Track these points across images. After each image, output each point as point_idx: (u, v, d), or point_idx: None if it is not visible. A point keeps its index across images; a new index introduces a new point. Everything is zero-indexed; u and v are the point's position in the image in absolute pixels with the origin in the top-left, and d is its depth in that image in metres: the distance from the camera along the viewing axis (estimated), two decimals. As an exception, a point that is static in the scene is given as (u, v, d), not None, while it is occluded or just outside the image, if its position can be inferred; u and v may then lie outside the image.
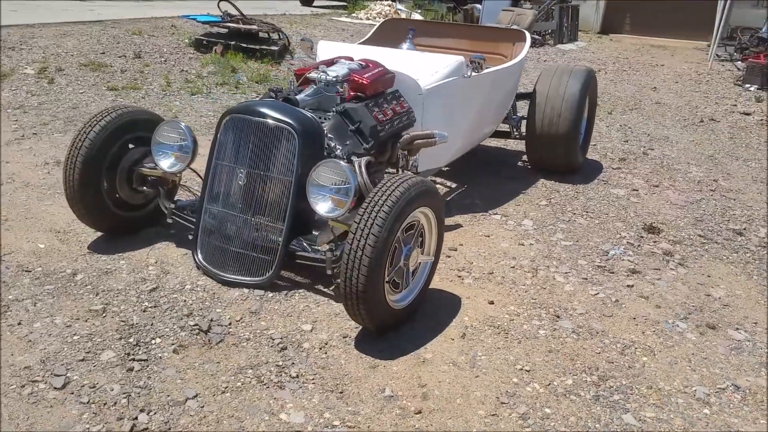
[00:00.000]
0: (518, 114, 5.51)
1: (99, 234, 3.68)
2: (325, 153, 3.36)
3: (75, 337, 2.77)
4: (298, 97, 3.58)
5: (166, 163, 3.43)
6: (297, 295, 3.24)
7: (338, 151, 3.45)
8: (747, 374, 2.88)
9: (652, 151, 6.38)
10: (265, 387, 2.57)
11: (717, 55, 14.97)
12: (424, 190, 2.92)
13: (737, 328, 3.26)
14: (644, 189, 5.24)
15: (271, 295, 3.21)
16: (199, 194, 3.66)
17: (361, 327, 2.96)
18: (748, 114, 8.91)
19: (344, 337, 2.93)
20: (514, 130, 5.43)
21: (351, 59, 4.03)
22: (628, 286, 3.60)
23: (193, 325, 2.90)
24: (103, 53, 8.12)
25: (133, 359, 2.66)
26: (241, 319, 3.00)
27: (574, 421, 2.50)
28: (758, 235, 4.45)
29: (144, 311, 3.00)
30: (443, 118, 4.17)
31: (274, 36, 9.65)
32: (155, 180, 3.59)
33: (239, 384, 2.57)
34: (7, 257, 3.37)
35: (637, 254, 4.01)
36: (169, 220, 3.61)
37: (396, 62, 4.11)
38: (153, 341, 2.79)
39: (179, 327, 2.89)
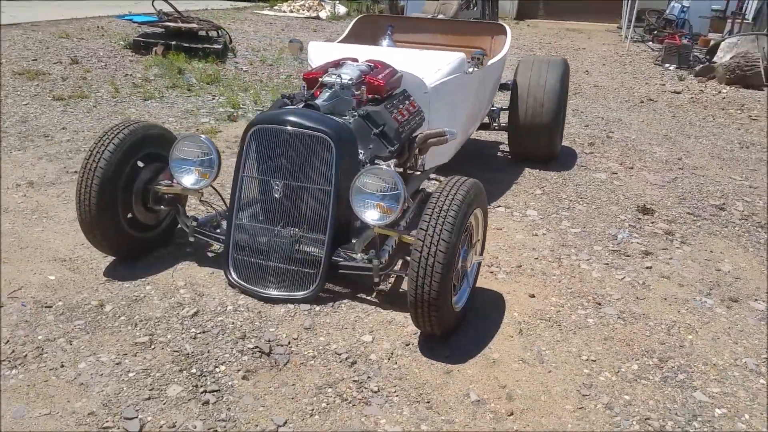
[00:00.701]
0: (496, 106, 5.60)
1: (110, 259, 3.43)
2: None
3: (130, 375, 2.58)
4: (317, 102, 3.47)
5: (189, 180, 3.25)
6: (343, 305, 3.16)
7: (361, 155, 3.38)
8: (781, 342, 3.10)
9: (614, 134, 6.68)
10: (350, 405, 2.50)
11: (630, 36, 15.89)
12: (479, 190, 2.92)
13: (756, 299, 3.49)
14: (621, 171, 5.48)
15: (318, 308, 3.11)
16: (223, 210, 3.52)
17: (419, 333, 2.94)
18: (678, 93, 9.49)
19: (407, 345, 2.89)
20: (494, 121, 5.52)
21: (356, 60, 3.95)
22: (647, 267, 3.76)
23: (254, 348, 2.77)
24: (35, 60, 7.55)
25: (205, 391, 2.51)
26: (298, 336, 2.89)
27: (654, 405, 2.59)
28: (738, 209, 4.76)
29: (194, 338, 2.83)
30: (447, 115, 4.18)
31: (213, 34, 9.31)
32: (173, 198, 3.40)
33: (324, 405, 2.48)
34: (18, 293, 3.09)
35: (643, 236, 4.20)
36: (191, 239, 3.42)
37: (398, 61, 4.06)
38: (217, 369, 2.64)
39: (238, 351, 2.75)
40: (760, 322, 3.26)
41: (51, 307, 3.01)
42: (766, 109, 8.61)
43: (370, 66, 3.85)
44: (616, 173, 5.41)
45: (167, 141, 3.42)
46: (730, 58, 11.12)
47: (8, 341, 2.72)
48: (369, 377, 2.65)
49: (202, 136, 3.26)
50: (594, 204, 4.69)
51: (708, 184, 5.29)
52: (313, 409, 2.46)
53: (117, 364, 2.64)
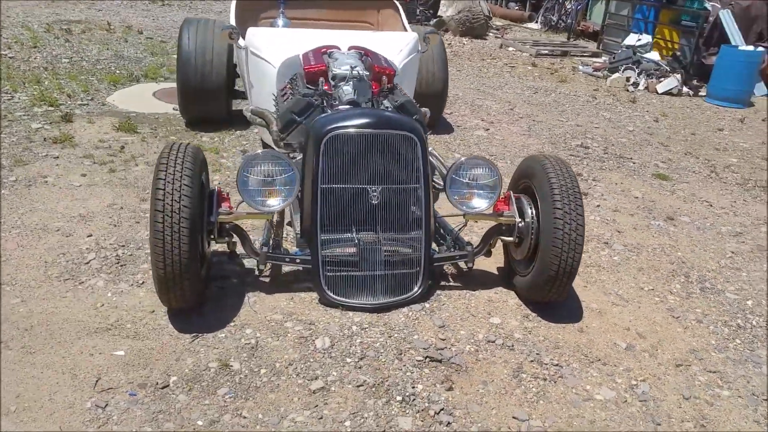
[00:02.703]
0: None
1: (158, 315, 2.88)
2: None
3: (347, 424, 2.36)
4: (348, 97, 3.31)
5: (274, 202, 2.88)
6: (441, 295, 3.22)
7: None
8: None
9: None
10: (551, 381, 2.69)
11: None
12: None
13: (682, 215, 4.54)
14: (491, 128, 6.21)
15: (427, 305, 3.13)
16: (294, 229, 3.19)
17: (521, 306, 3.20)
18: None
19: (526, 317, 3.12)
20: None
21: (337, 48, 3.79)
22: (597, 206, 4.55)
23: (425, 359, 2.72)
24: None
25: (435, 413, 2.44)
26: (445, 337, 2.91)
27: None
28: (594, 146, 5.90)
29: (360, 367, 2.64)
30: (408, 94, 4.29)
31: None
32: (234, 226, 2.96)
33: (534, 389, 2.62)
34: (101, 384, 2.44)
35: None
36: (261, 267, 3.03)
37: (360, 45, 4.00)
38: (416, 390, 2.55)
39: (414, 366, 2.67)
40: (699, 230, 4.30)
41: (167, 386, 2.47)
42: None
43: (360, 53, 3.74)
44: (489, 129, 6.13)
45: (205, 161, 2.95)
46: (459, 13, 12.78)
47: (178, 438, 2.22)
48: (538, 353, 2.85)
49: (276, 151, 2.90)
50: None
51: (553, 128, 6.36)
52: (531, 396, 2.60)
53: (319, 418, 2.38)
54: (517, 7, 16.23)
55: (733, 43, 9.22)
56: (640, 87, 8.81)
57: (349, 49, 3.81)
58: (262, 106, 3.96)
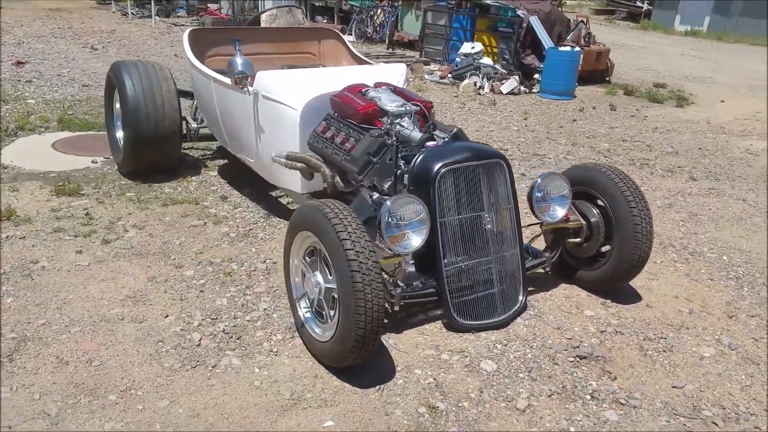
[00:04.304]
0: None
1: (333, 377, 2.81)
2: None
3: (571, 429, 2.61)
4: (417, 134, 3.47)
5: (414, 242, 2.95)
6: (530, 301, 3.55)
7: None
8: None
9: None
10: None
11: (132, 13, 16.24)
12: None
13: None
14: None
15: (531, 312, 3.44)
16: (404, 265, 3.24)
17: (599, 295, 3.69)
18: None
19: (603, 304, 3.61)
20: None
21: (368, 86, 3.89)
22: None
23: (575, 359, 3.05)
24: None
25: (625, 403, 2.79)
26: (572, 337, 3.25)
27: (711, 269, 4.17)
28: (548, 157, 6.60)
29: (535, 380, 2.89)
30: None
31: None
32: (373, 272, 2.96)
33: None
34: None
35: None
36: (396, 308, 3.07)
37: (367, 79, 4.13)
38: (598, 386, 2.88)
39: (574, 367, 2.99)
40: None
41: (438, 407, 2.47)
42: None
43: (390, 89, 3.88)
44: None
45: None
46: (286, 31, 12.85)
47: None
48: (643, 332, 3.33)
49: (412, 196, 2.98)
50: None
51: (493, 141, 6.95)
52: (667, 366, 3.08)
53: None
54: (325, 21, 16.73)
55: (545, 45, 10.78)
56: (486, 90, 9.87)
57: (377, 85, 3.92)
58: (278, 151, 3.90)
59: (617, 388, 2.88)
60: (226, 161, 5.59)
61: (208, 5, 17.50)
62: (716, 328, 3.44)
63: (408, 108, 3.62)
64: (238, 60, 4.87)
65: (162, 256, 3.80)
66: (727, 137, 8.12)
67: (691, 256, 4.35)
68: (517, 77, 10.05)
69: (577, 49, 10.31)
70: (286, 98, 3.90)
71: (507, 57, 11.35)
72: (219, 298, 3.38)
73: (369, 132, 3.49)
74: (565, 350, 3.12)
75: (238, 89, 4.04)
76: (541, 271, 3.63)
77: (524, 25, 11.20)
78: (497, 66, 10.47)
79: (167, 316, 3.18)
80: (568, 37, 11.61)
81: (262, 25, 13.45)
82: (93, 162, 5.40)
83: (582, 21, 11.95)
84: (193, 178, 5.13)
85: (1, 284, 3.37)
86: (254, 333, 3.10)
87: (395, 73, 4.41)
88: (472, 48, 10.70)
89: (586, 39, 11.45)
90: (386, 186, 3.42)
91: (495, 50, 11.57)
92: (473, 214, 3.20)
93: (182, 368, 2.80)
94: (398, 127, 3.53)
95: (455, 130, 3.67)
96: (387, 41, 14.41)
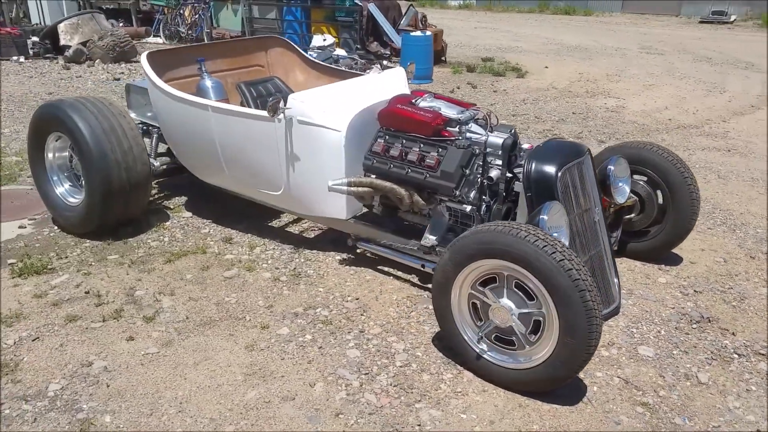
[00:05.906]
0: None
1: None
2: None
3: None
4: (496, 138, 3.42)
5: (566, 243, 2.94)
6: (610, 281, 3.74)
7: None
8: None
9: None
10: None
11: None
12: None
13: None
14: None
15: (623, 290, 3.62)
16: None
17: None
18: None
19: (667, 272, 3.94)
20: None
21: (411, 95, 3.71)
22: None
23: (696, 323, 3.31)
24: None
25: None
26: (688, 306, 3.50)
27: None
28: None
29: (700, 339, 3.09)
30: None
31: None
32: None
33: None
34: None
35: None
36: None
37: (377, 87, 3.98)
38: (741, 344, 3.17)
39: (699, 331, 3.26)
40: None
41: None
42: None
43: (432, 95, 3.74)
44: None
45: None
46: (101, 39, 11.36)
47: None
48: (720, 290, 3.71)
49: (555, 201, 2.94)
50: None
51: None
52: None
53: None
54: (121, 24, 15.07)
55: (386, 31, 11.04)
56: (350, 80, 9.82)
57: (417, 94, 3.74)
58: (314, 180, 3.62)
59: (745, 341, 3.20)
60: (184, 197, 4.90)
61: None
62: (755, 270, 3.96)
63: (471, 113, 3.53)
64: (208, 82, 4.29)
65: (233, 320, 3.26)
66: (582, 99, 9.12)
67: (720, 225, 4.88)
68: (379, 66, 10.13)
69: (429, 33, 10.71)
70: (326, 120, 3.55)
71: (351, 46, 11.40)
72: (344, 350, 3.03)
73: (453, 144, 3.35)
74: (681, 319, 3.36)
75: (268, 118, 3.56)
76: (607, 250, 3.84)
77: (365, 13, 11.32)
78: (355, 56, 10.47)
79: (314, 385, 2.78)
80: (403, 22, 12.01)
81: (61, 35, 11.90)
82: (20, 227, 4.37)
83: (411, 5, 12.43)
84: (168, 224, 4.42)
85: (81, 403, 2.64)
86: (420, 377, 2.85)
87: (400, 77, 4.25)
88: (324, 40, 10.54)
89: (423, 22, 11.94)
90: (472, 196, 3.35)
91: (338, 40, 11.53)
92: (584, 209, 3.27)
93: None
94: (468, 134, 3.44)
95: (511, 128, 3.68)
96: (206, 40, 13.52)
